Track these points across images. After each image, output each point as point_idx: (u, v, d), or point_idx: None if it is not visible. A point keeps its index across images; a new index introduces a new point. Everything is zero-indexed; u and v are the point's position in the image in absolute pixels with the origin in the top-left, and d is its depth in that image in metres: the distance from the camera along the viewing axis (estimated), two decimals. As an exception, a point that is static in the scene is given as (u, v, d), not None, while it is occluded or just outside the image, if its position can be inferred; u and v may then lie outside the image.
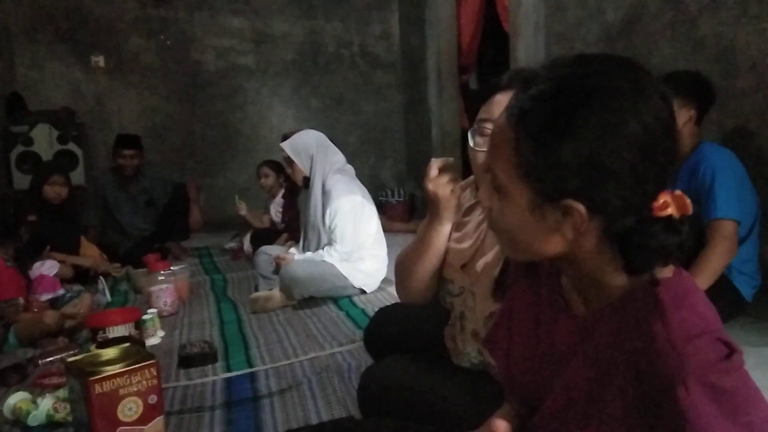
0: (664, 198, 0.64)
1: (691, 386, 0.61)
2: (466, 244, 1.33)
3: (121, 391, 1.35)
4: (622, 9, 2.98)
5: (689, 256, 2.03)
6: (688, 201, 0.65)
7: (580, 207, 0.64)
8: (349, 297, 2.84)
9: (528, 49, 3.71)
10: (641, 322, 0.66)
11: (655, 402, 0.65)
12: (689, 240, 0.66)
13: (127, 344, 1.54)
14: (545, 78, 0.66)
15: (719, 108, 2.26)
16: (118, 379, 1.35)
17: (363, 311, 2.62)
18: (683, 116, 2.13)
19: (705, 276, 2.00)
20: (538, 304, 0.83)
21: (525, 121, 0.66)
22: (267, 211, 4.18)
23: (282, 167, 4.00)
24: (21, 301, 2.43)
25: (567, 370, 0.77)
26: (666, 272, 0.68)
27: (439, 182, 1.25)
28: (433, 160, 1.28)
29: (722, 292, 2.08)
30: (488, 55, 5.28)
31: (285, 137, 3.19)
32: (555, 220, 0.66)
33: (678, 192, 0.65)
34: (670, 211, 0.64)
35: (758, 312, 2.19)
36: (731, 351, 0.64)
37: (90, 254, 3.46)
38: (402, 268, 1.41)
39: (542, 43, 3.63)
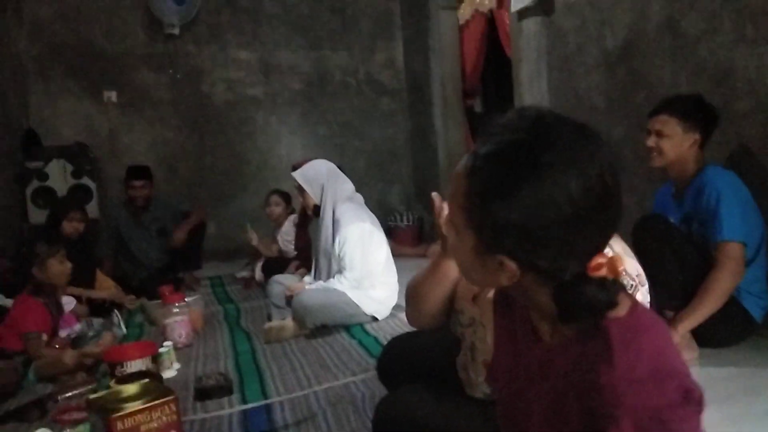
0: (598, 260, 0.68)
1: (623, 427, 0.63)
2: None
3: (143, 428, 1.39)
4: (622, 34, 3.04)
5: (697, 279, 2.06)
6: (620, 266, 0.69)
7: (512, 265, 0.69)
8: (361, 325, 2.87)
9: (531, 73, 3.78)
10: (591, 360, 0.68)
11: None
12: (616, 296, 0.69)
13: (147, 380, 1.57)
14: (499, 137, 0.69)
15: (721, 131, 2.30)
16: (139, 415, 1.39)
17: (375, 339, 2.64)
18: (688, 140, 2.18)
19: (713, 298, 2.03)
20: (515, 333, 0.86)
21: (473, 176, 0.70)
22: (275, 240, 4.23)
23: (290, 197, 4.07)
24: (44, 336, 2.48)
25: (531, 400, 0.80)
26: (620, 310, 0.70)
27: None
28: (435, 195, 1.30)
29: (732, 314, 2.10)
30: (492, 79, 5.36)
31: (294, 168, 3.25)
32: (493, 268, 0.71)
33: (614, 255, 0.69)
34: (603, 272, 0.68)
35: (769, 332, 2.20)
36: (689, 396, 0.65)
37: (105, 287, 3.52)
38: (413, 293, 1.43)
39: (544, 68, 3.69)
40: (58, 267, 2.57)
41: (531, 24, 3.70)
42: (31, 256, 2.56)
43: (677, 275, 2.10)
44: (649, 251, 2.09)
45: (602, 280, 0.69)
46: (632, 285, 1.15)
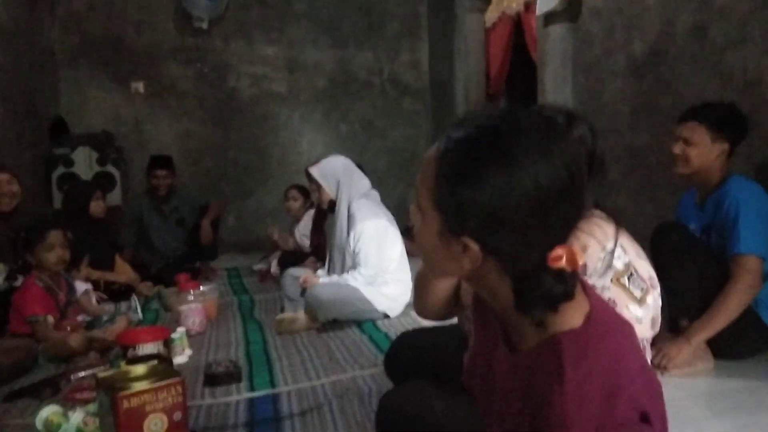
0: (558, 251, 0.69)
1: None
2: None
3: (148, 407, 1.40)
4: (649, 41, 3.00)
5: (714, 290, 2.02)
6: (580, 257, 0.69)
7: (475, 247, 0.70)
8: (373, 321, 2.87)
9: (556, 78, 3.75)
10: (544, 375, 0.69)
11: None
12: (573, 290, 0.71)
13: (155, 362, 1.59)
14: (472, 124, 0.72)
15: (747, 140, 2.25)
16: (145, 395, 1.40)
17: (386, 335, 2.64)
18: (716, 150, 2.12)
19: (727, 311, 1.99)
20: (490, 339, 0.86)
21: (443, 159, 0.72)
22: (292, 234, 4.26)
23: (307, 191, 4.10)
24: (51, 319, 2.51)
25: (495, 399, 0.80)
26: (575, 322, 0.71)
27: None
28: None
29: (750, 327, 2.06)
30: (517, 82, 5.33)
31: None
32: (457, 252, 0.72)
33: (573, 247, 0.69)
34: (563, 264, 0.69)
35: (787, 347, 2.15)
36: (642, 414, 0.65)
37: (124, 272, 3.57)
38: (419, 284, 1.45)
39: (569, 73, 3.66)
40: (45, 254, 2.55)
41: (557, 28, 3.67)
42: (25, 243, 2.58)
43: (694, 285, 2.06)
44: (666, 259, 2.06)
45: (560, 272, 0.69)
46: (643, 288, 1.13)
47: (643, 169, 3.08)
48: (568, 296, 0.71)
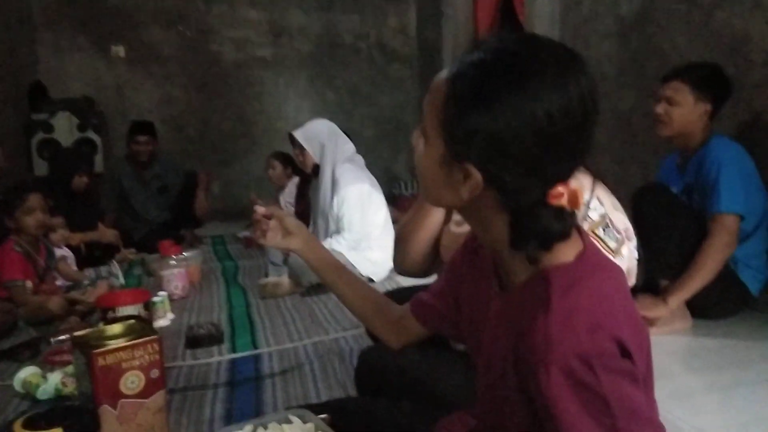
0: (560, 189, 0.67)
1: (552, 372, 0.63)
2: (465, 228, 1.35)
3: (124, 365, 1.38)
4: (637, 2, 2.96)
5: (695, 251, 2.02)
6: (581, 198, 0.68)
7: (477, 175, 0.68)
8: (357, 285, 2.86)
9: (543, 42, 3.70)
10: (531, 307, 0.68)
11: (528, 385, 0.67)
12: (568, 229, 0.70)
13: (132, 321, 1.57)
14: (488, 47, 0.69)
15: (733, 101, 2.23)
16: (121, 353, 1.38)
17: (369, 299, 2.64)
18: (699, 110, 2.11)
19: (704, 269, 2.00)
20: (478, 281, 0.86)
21: (456, 82, 0.69)
22: (277, 201, 4.23)
23: (290, 159, 4.06)
24: (29, 284, 2.48)
25: (483, 338, 0.80)
26: (568, 255, 0.71)
27: None
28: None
29: (729, 287, 2.08)
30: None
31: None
32: (457, 179, 0.71)
33: (576, 187, 0.68)
34: (563, 202, 0.68)
35: (765, 307, 2.17)
36: (623, 349, 0.65)
37: (107, 237, 3.54)
38: (399, 235, 1.45)
39: (557, 36, 3.60)
40: (25, 218, 2.50)
41: (545, -11, 3.61)
42: (3, 206, 2.53)
43: (674, 245, 2.06)
44: (647, 220, 2.06)
45: (560, 210, 0.68)
46: (618, 238, 1.13)
47: (628, 132, 3.06)
48: (565, 235, 0.70)
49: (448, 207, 0.79)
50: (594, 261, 0.72)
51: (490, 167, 0.68)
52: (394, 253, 1.46)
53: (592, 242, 0.75)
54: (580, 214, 1.06)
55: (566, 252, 0.71)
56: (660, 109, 2.15)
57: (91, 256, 3.36)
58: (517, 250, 0.71)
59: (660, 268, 2.10)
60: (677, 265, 2.06)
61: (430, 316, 1.00)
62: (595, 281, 0.69)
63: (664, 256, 2.06)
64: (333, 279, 1.14)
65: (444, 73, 0.72)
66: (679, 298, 2.04)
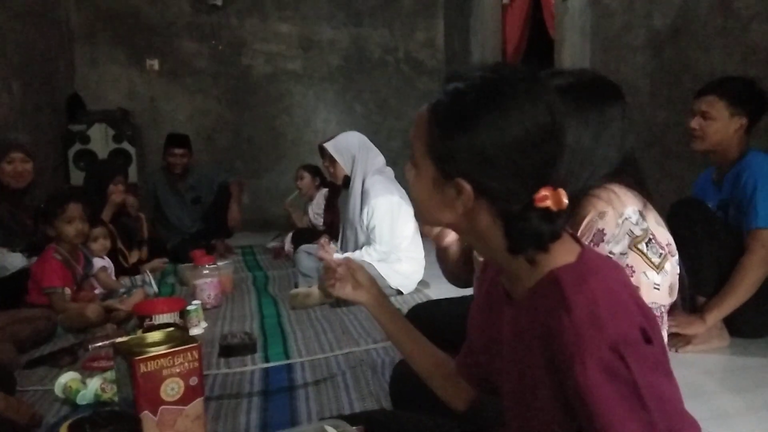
0: (544, 192, 0.73)
1: (588, 365, 0.66)
2: None
3: (164, 372, 1.41)
4: (671, 14, 2.94)
5: (732, 267, 1.99)
6: (564, 197, 0.73)
7: (467, 187, 0.75)
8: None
9: (574, 54, 3.69)
10: (549, 309, 0.71)
11: (564, 383, 0.69)
12: (560, 230, 0.75)
13: (171, 329, 1.61)
14: (461, 77, 0.78)
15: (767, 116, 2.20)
16: (161, 359, 1.41)
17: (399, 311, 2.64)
18: (734, 124, 2.09)
19: (743, 287, 1.97)
20: (489, 295, 0.91)
21: (437, 110, 0.78)
22: (306, 212, 4.28)
23: (318, 170, 4.14)
24: (68, 291, 2.55)
25: (505, 356, 0.83)
26: (569, 256, 0.76)
27: None
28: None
29: (766, 304, 2.03)
30: (534, 60, 5.26)
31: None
32: (451, 197, 0.78)
33: (558, 189, 0.74)
34: (549, 203, 0.73)
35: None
36: (645, 334, 0.68)
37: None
38: (438, 255, 1.58)
39: (588, 49, 3.60)
40: (65, 227, 2.57)
41: (576, 2, 3.61)
42: (44, 215, 2.60)
43: (711, 261, 2.04)
44: (683, 235, 2.01)
45: (547, 211, 0.74)
46: (661, 254, 1.12)
47: (662, 146, 3.03)
48: (556, 235, 0.75)
49: (448, 226, 0.84)
50: (595, 259, 0.77)
51: (478, 178, 0.75)
52: (441, 270, 1.63)
53: (590, 247, 0.80)
54: (621, 229, 1.07)
55: (566, 254, 0.76)
56: (694, 123, 2.13)
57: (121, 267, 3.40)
58: (515, 255, 0.76)
59: (696, 284, 2.06)
60: (714, 281, 2.03)
61: (473, 374, 1.02)
62: (602, 276, 0.73)
63: (701, 273, 2.03)
64: (400, 337, 1.15)
65: (424, 107, 0.81)
66: (716, 315, 2.00)
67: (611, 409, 0.65)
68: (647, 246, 1.09)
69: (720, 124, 2.09)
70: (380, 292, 1.19)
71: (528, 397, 0.78)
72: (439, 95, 0.79)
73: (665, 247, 1.13)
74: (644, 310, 0.72)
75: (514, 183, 0.74)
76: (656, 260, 1.10)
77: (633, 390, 0.65)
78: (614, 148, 1.14)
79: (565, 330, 0.68)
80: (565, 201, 0.73)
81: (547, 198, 0.73)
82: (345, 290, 1.17)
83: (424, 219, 0.85)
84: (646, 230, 1.09)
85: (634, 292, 0.74)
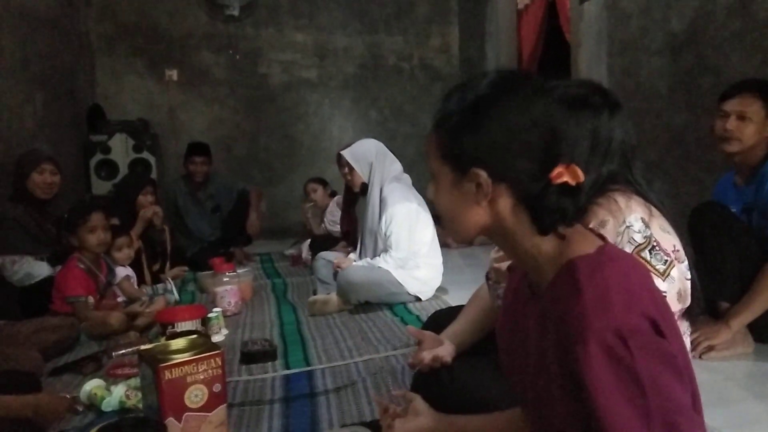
0: (559, 169, 0.76)
1: (590, 347, 0.66)
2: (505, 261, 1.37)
3: (189, 379, 1.43)
4: (688, 18, 2.92)
5: (756, 272, 1.97)
6: (580, 171, 0.76)
7: (483, 173, 0.78)
8: (404, 304, 2.88)
9: (590, 58, 3.68)
10: (563, 295, 0.73)
11: (570, 367, 0.69)
12: (581, 204, 0.78)
13: (195, 336, 1.63)
14: (459, 90, 0.83)
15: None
16: (186, 366, 1.43)
17: (418, 318, 2.65)
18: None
19: (767, 292, 1.93)
20: (515, 302, 0.92)
21: (442, 123, 0.83)
22: (323, 219, 4.31)
23: (324, 180, 4.24)
24: (91, 300, 2.59)
25: (531, 353, 0.83)
26: (587, 248, 0.77)
27: None
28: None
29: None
30: (550, 65, 5.25)
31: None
32: (470, 192, 0.80)
33: (572, 164, 0.76)
34: (565, 178, 0.75)
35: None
36: (655, 326, 0.68)
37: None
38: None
39: (605, 52, 3.58)
40: (88, 236, 2.61)
41: (592, 7, 3.60)
42: (67, 224, 2.65)
43: (734, 266, 2.01)
44: (705, 239, 2.02)
45: (564, 185, 0.76)
46: (666, 260, 1.11)
47: (681, 150, 3.01)
48: (579, 209, 0.77)
49: (479, 231, 0.83)
50: (615, 251, 0.78)
51: (489, 162, 0.78)
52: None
53: (614, 244, 0.80)
54: (623, 237, 1.07)
55: (587, 245, 0.78)
56: (731, 125, 2.05)
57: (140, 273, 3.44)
58: (545, 235, 0.78)
59: (719, 289, 2.04)
60: (737, 286, 2.01)
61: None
62: (619, 266, 0.74)
63: (723, 278, 2.01)
64: None
65: (432, 124, 0.86)
66: (741, 320, 1.98)
67: (609, 392, 0.65)
68: (651, 253, 1.09)
69: (757, 126, 2.03)
70: (439, 416, 1.14)
71: (542, 395, 0.78)
72: (440, 111, 0.84)
73: (671, 254, 1.12)
74: (659, 304, 0.72)
75: (526, 162, 0.77)
76: (661, 267, 1.09)
77: (633, 377, 0.65)
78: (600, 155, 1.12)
79: (572, 311, 0.70)
80: (581, 174, 0.75)
81: (563, 174, 0.75)
82: (408, 426, 1.12)
83: (455, 232, 0.85)
84: (649, 237, 1.09)
85: (651, 285, 0.75)
